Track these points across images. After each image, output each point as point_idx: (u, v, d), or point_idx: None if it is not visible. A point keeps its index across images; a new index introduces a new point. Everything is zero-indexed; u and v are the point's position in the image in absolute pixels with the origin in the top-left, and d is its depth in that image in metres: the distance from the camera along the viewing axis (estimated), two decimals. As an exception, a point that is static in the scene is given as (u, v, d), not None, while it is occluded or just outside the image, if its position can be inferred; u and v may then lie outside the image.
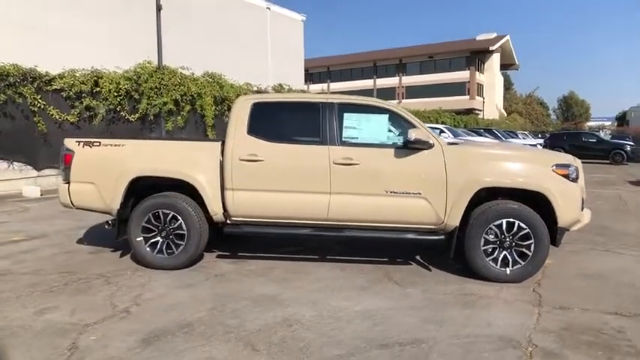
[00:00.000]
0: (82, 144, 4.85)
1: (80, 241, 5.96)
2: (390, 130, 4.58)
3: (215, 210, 4.66)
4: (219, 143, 4.71)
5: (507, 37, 53.57)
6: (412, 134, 4.29)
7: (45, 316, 3.57)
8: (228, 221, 4.79)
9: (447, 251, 4.57)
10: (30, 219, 7.53)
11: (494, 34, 53.41)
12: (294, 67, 27.06)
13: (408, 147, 4.40)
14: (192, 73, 12.16)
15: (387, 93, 51.37)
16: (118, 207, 4.74)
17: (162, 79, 10.97)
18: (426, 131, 4.40)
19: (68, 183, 4.88)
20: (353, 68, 58.21)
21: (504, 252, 4.36)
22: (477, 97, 51.61)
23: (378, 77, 56.70)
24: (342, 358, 2.95)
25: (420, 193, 4.39)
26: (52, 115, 10.58)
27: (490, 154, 4.46)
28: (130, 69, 11.30)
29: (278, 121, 4.78)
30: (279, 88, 15.90)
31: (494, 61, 54.54)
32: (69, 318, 3.55)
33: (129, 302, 3.87)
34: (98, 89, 11.03)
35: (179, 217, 4.65)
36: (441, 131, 16.41)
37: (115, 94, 11.13)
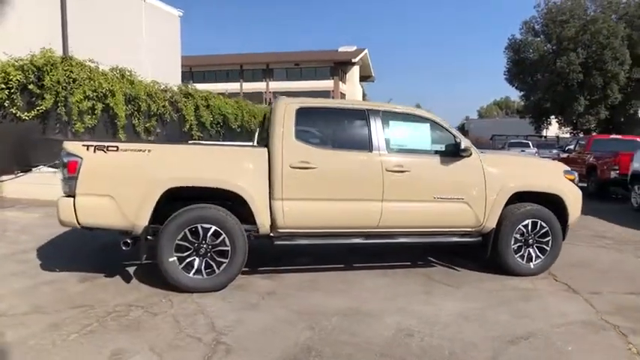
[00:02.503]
0: (92, 148, 4.01)
1: (48, 268, 4.85)
2: (433, 139, 4.77)
3: (264, 222, 4.29)
4: (265, 149, 4.35)
5: (366, 50, 57.99)
6: (463, 143, 4.57)
7: (129, 362, 2.92)
8: (272, 234, 4.44)
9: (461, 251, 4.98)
10: None
11: (355, 47, 57.39)
12: (171, 64, 25.46)
13: (454, 155, 4.66)
14: (97, 67, 10.65)
15: (255, 97, 51.34)
16: (146, 223, 4.05)
17: (71, 71, 9.39)
18: (468, 140, 4.71)
19: (73, 196, 3.99)
20: (218, 70, 56.86)
21: (528, 249, 4.89)
22: (341, 106, 54.54)
23: (244, 81, 56.37)
24: (494, 358, 3.05)
25: (462, 198, 4.68)
26: None
27: (519, 161, 4.98)
28: (25, 58, 9.43)
29: (325, 126, 4.61)
30: (185, 88, 14.82)
31: (355, 72, 58.57)
32: (163, 360, 2.96)
33: (211, 333, 3.36)
34: (-25, 80, 8.98)
35: (222, 232, 4.17)
36: None
37: (3, 86, 9.20)
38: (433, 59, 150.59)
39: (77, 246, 5.91)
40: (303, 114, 4.48)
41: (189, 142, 13.50)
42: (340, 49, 57.49)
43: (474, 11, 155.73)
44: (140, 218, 4.04)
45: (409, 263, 5.32)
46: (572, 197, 4.97)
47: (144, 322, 3.55)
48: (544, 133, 32.28)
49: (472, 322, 3.65)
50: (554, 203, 4.94)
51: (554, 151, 20.96)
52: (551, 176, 5.01)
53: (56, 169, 9.70)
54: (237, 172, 4.24)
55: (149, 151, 4.12)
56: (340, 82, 55.23)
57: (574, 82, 25.76)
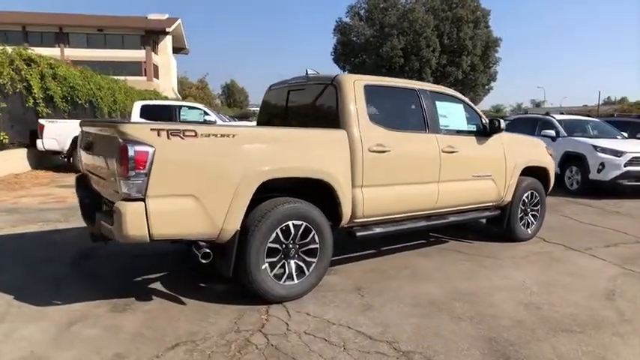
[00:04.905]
0: (165, 133, 2.98)
1: (38, 303, 3.44)
2: (467, 118, 4.95)
3: (347, 212, 3.87)
4: (345, 132, 3.87)
5: (179, 20, 54.10)
6: (502, 123, 4.86)
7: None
8: (345, 225, 4.03)
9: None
10: None
11: (167, 16, 53.04)
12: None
13: (486, 134, 4.94)
14: None
15: (48, 66, 43.47)
16: (239, 227, 3.24)
17: None
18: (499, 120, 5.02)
19: (143, 199, 2.91)
20: (-10, 30, 46.10)
21: (526, 217, 5.58)
22: (155, 79, 50.50)
23: (31, 45, 46.78)
24: (622, 315, 3.49)
25: (490, 175, 5.03)
26: None
27: (519, 139, 5.55)
28: None
29: (389, 106, 4.33)
30: (25, 52, 11.52)
31: (168, 43, 54.26)
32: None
33: (378, 343, 2.96)
34: None
35: (312, 229, 3.61)
36: (206, 113, 14.96)
37: None
38: (249, 35, 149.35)
39: (26, 264, 4.31)
40: (369, 92, 4.12)
41: (40, 120, 10.70)
42: (150, 17, 52.40)
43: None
44: (231, 221, 3.20)
45: (424, 241, 5.49)
46: (552, 169, 5.83)
47: (285, 348, 2.89)
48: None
49: (558, 288, 4.04)
50: (538, 174, 5.70)
51: None
52: (541, 151, 5.76)
53: None
54: (326, 159, 3.69)
55: (233, 135, 3.25)
56: (153, 53, 50.73)
57: (396, 66, 29.28)
